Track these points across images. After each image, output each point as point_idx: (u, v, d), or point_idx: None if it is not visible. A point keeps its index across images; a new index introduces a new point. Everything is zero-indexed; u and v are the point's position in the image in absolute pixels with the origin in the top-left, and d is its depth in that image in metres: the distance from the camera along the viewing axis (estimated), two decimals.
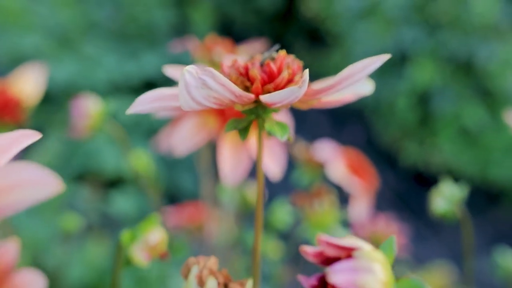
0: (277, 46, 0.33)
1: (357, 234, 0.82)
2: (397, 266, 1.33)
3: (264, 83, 0.30)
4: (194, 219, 0.81)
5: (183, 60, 1.92)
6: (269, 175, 0.45)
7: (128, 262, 0.38)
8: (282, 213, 0.61)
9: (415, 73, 1.52)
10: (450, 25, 1.50)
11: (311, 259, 0.22)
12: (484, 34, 1.52)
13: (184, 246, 0.45)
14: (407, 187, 1.77)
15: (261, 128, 0.31)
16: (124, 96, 1.76)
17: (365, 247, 0.22)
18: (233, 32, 2.24)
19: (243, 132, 0.32)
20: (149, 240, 0.38)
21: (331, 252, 0.22)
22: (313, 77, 0.31)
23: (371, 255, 0.21)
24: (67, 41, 1.77)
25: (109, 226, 1.29)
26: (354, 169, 0.70)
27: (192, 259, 0.31)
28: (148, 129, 1.70)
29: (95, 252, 1.00)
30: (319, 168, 0.70)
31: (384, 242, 0.23)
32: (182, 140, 0.44)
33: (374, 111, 1.78)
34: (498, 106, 1.58)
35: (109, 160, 1.47)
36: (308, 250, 0.22)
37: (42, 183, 0.19)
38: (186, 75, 0.27)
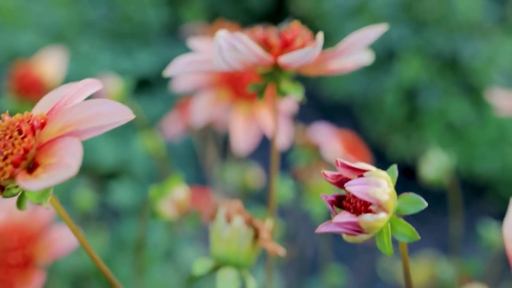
0: (289, 20, 0.38)
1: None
2: (384, 256, 1.39)
3: (281, 49, 0.35)
4: (197, 202, 0.85)
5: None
6: (278, 145, 0.50)
7: (154, 215, 0.43)
8: (284, 188, 0.65)
9: (402, 70, 1.58)
10: (436, 23, 1.57)
11: (329, 181, 0.27)
12: (469, 32, 1.59)
13: (197, 215, 0.49)
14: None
15: (277, 89, 0.36)
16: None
17: (374, 169, 0.27)
18: None
19: (261, 92, 0.37)
20: (175, 196, 0.43)
21: (346, 174, 0.27)
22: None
23: (379, 174, 0.26)
24: (62, 39, 1.80)
25: (107, 217, 1.33)
26: (349, 150, 0.75)
27: (219, 202, 0.36)
28: (143, 125, 1.73)
29: (93, 243, 1.04)
30: (315, 149, 0.75)
31: (388, 169, 0.28)
32: (200, 111, 0.49)
33: (362, 107, 1.84)
34: (482, 101, 1.65)
35: (107, 153, 1.51)
36: (328, 174, 0.27)
37: (118, 112, 0.24)
38: (219, 39, 0.32)
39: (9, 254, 0.44)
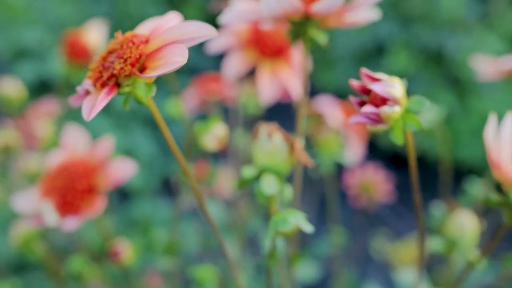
0: None
1: (348, 180, 0.96)
2: (376, 237, 1.48)
3: (310, 1, 0.44)
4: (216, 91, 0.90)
5: None
6: (293, 95, 0.59)
7: (199, 148, 0.52)
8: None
9: (391, 63, 1.68)
10: (422, 19, 1.68)
11: (355, 88, 0.36)
12: (452, 28, 1.70)
13: (218, 114, 0.55)
14: (385, 167, 1.93)
15: (306, 35, 0.46)
16: None
17: (387, 77, 0.36)
18: None
19: (294, 40, 0.46)
20: (216, 131, 0.52)
21: (367, 82, 0.36)
22: None
23: (393, 79, 0.35)
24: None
25: (114, 198, 1.40)
26: (348, 116, 0.85)
27: (261, 124, 0.45)
28: (144, 118, 1.82)
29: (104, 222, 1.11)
30: (320, 117, 0.84)
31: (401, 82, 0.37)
32: (232, 68, 0.58)
33: None
34: (465, 93, 1.76)
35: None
36: (354, 83, 0.36)
37: (204, 29, 0.33)
38: None
39: (76, 182, 0.52)
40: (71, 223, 0.50)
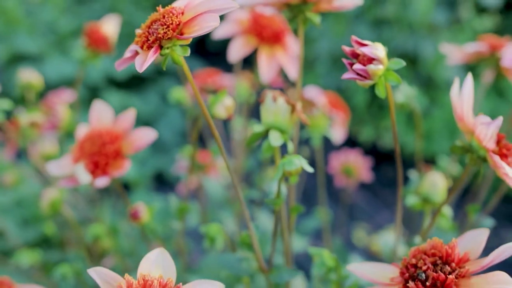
0: None
1: (333, 162, 1.06)
2: (356, 229, 1.58)
3: None
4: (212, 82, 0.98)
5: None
6: (289, 75, 0.68)
7: (212, 116, 0.61)
8: None
9: None
10: (396, 23, 1.79)
11: (347, 52, 0.45)
12: (423, 31, 1.82)
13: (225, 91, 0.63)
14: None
15: (303, 17, 0.55)
16: (114, 88, 1.97)
17: (372, 43, 0.45)
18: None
19: (291, 22, 0.56)
20: (225, 102, 0.60)
21: (356, 47, 0.45)
22: None
23: (377, 44, 0.45)
24: (63, 43, 1.96)
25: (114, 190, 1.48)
26: (333, 104, 0.94)
27: (266, 90, 0.54)
28: (138, 120, 1.89)
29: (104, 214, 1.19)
30: (308, 103, 0.94)
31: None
32: (235, 51, 0.67)
33: None
34: (435, 92, 1.88)
35: None
36: (346, 48, 0.45)
37: (228, 3, 0.42)
38: None
39: (104, 147, 0.60)
40: (101, 181, 0.58)
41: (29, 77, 0.81)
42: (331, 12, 1.71)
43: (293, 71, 0.69)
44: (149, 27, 0.42)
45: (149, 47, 0.42)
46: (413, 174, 0.72)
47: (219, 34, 0.68)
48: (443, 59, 1.79)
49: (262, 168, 1.00)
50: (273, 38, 0.69)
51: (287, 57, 0.69)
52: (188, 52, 0.43)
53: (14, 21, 1.85)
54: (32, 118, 0.73)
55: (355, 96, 1.90)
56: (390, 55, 0.48)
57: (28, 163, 0.90)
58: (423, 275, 0.41)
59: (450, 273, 0.41)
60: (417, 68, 1.87)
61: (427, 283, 0.41)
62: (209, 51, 2.43)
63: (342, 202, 1.39)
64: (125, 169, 0.59)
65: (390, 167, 2.03)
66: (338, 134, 0.93)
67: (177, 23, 0.41)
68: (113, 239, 0.80)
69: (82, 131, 0.64)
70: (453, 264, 0.42)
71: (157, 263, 0.42)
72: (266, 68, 0.67)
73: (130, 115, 0.63)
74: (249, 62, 0.83)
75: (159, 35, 0.41)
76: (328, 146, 1.26)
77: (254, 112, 0.91)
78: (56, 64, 1.85)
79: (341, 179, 1.06)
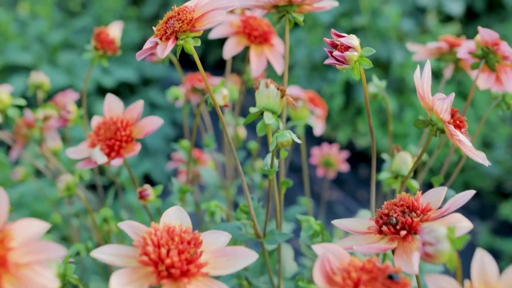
0: None
1: (315, 153, 1.16)
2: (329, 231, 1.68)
3: None
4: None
5: (148, 71, 2.22)
6: (276, 69, 0.78)
7: (211, 105, 0.70)
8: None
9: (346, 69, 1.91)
10: (369, 32, 1.92)
11: (328, 42, 0.55)
12: (395, 39, 1.95)
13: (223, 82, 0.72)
14: None
15: (288, 17, 0.65)
16: (104, 96, 2.05)
17: (347, 35, 0.55)
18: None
19: (278, 21, 0.65)
20: (222, 92, 0.70)
21: (335, 38, 0.55)
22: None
23: (352, 36, 0.55)
24: (54, 54, 2.04)
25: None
26: (313, 101, 1.05)
27: (259, 78, 0.63)
28: None
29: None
30: (293, 99, 1.04)
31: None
32: (228, 50, 0.77)
33: None
34: (407, 95, 2.00)
35: None
36: (327, 40, 0.55)
37: (232, 2, 0.52)
38: None
39: (118, 133, 0.69)
40: (116, 162, 0.67)
41: (40, 78, 0.90)
42: (309, 20, 1.81)
43: (279, 67, 0.78)
44: (166, 23, 0.52)
45: (167, 39, 0.51)
46: (386, 156, 0.82)
47: (215, 34, 0.78)
48: (413, 64, 1.92)
49: (251, 160, 1.09)
50: (261, 38, 0.78)
51: (273, 54, 0.79)
52: (198, 42, 0.52)
53: (7, 34, 1.93)
54: (46, 112, 0.82)
55: (331, 100, 2.01)
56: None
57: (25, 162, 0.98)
58: (394, 220, 0.51)
59: (415, 218, 0.51)
60: (389, 74, 1.99)
61: (397, 227, 0.51)
62: (191, 62, 2.52)
63: (321, 199, 1.49)
64: (136, 151, 0.68)
65: (365, 168, 2.14)
66: (318, 126, 1.03)
67: (190, 18, 0.51)
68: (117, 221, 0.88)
69: (96, 120, 0.73)
70: (418, 212, 0.52)
71: (175, 216, 0.51)
72: (256, 64, 0.77)
73: (138, 105, 0.72)
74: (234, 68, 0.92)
75: (176, 28, 0.50)
76: (310, 142, 1.36)
77: (241, 111, 1.01)
78: (47, 74, 1.92)
79: (321, 170, 1.16)
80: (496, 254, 1.77)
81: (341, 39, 0.54)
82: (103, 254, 0.46)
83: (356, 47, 0.54)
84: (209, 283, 0.46)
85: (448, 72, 0.88)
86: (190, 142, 0.90)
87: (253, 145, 1.02)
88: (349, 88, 2.03)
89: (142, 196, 0.75)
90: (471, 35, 0.79)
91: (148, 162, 1.95)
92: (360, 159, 2.14)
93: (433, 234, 0.41)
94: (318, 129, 1.04)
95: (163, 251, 0.45)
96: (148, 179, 2.01)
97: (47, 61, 2.09)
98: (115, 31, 0.83)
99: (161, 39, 0.51)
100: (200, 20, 0.51)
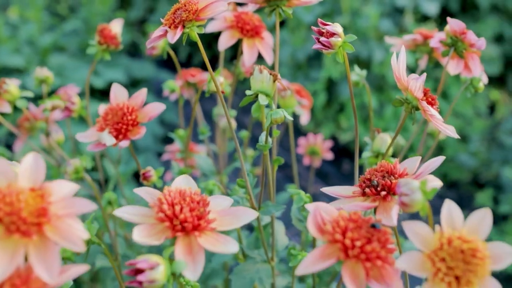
0: None
1: (302, 144, 1.23)
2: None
3: None
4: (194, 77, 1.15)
5: (137, 73, 2.28)
6: (266, 60, 0.85)
7: (209, 90, 0.77)
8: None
9: (329, 68, 2.00)
10: (350, 31, 2.00)
11: (316, 31, 0.62)
12: (375, 38, 2.04)
13: (219, 71, 0.79)
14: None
15: (278, 11, 0.72)
16: (94, 95, 2.10)
17: (332, 23, 0.63)
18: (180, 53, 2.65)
19: (269, 14, 0.73)
20: (219, 79, 0.77)
21: (321, 26, 0.62)
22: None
23: (337, 24, 0.62)
24: (45, 57, 2.10)
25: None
26: (299, 92, 1.12)
27: (253, 65, 0.71)
28: None
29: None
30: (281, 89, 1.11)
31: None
32: (223, 42, 0.84)
33: None
34: (387, 92, 2.09)
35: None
36: (314, 28, 0.63)
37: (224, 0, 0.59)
38: None
39: (124, 117, 0.76)
40: (123, 143, 0.74)
41: (44, 73, 0.96)
42: (292, 22, 1.89)
43: (269, 57, 0.86)
44: (174, 13, 0.59)
45: (176, 27, 0.58)
46: (367, 139, 0.90)
47: (211, 28, 0.85)
48: (387, 64, 2.01)
49: (243, 148, 1.16)
50: (253, 32, 0.86)
51: (264, 46, 0.87)
52: (202, 30, 0.59)
53: (1, 42, 1.98)
54: (54, 103, 0.88)
55: (314, 98, 2.09)
56: (351, 61, 0.64)
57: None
58: (375, 182, 0.59)
59: (394, 181, 0.59)
60: (370, 71, 2.07)
61: (378, 188, 0.58)
62: (178, 61, 2.59)
63: (307, 192, 1.56)
64: (141, 134, 0.75)
65: (348, 164, 2.23)
66: (304, 116, 1.11)
67: (196, 9, 0.58)
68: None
69: (102, 108, 0.80)
70: (396, 176, 0.60)
71: (184, 183, 0.58)
72: (248, 55, 0.85)
73: (142, 93, 0.78)
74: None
75: (183, 18, 0.58)
76: (296, 133, 1.44)
77: (232, 104, 1.09)
78: None
79: (307, 159, 1.24)
80: None
81: (327, 27, 0.62)
82: (125, 213, 0.52)
83: (340, 34, 0.62)
84: (216, 237, 0.53)
85: (423, 62, 0.96)
86: (186, 131, 0.97)
87: (244, 133, 1.09)
88: (331, 86, 2.12)
89: (145, 177, 0.82)
90: None
91: (138, 159, 2.01)
92: (343, 154, 2.22)
93: (408, 186, 0.49)
94: (304, 118, 1.11)
95: (177, 208, 0.52)
96: (137, 178, 2.07)
97: (38, 63, 2.14)
98: (116, 27, 0.90)
99: (170, 27, 0.58)
100: (204, 11, 0.58)
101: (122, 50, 2.39)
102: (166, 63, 2.70)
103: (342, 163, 2.21)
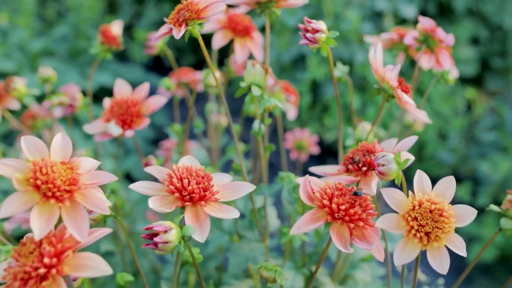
0: None
1: (289, 138, 1.32)
2: None
3: None
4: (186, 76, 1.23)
5: (126, 76, 2.35)
6: (256, 57, 0.93)
7: (205, 84, 0.85)
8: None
9: (313, 69, 2.08)
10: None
11: (302, 27, 0.71)
12: (356, 41, 2.13)
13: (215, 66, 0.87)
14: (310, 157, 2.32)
15: (269, 13, 0.80)
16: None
17: (316, 21, 0.71)
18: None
19: (260, 15, 0.81)
20: (217, 74, 0.85)
21: (306, 23, 0.71)
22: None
23: (321, 22, 0.70)
24: (35, 62, 2.16)
25: None
26: (287, 90, 1.20)
27: (247, 60, 0.78)
28: None
29: None
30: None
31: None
32: (217, 42, 0.92)
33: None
34: (369, 92, 2.19)
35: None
36: (301, 25, 0.71)
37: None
38: None
39: (129, 109, 0.83)
40: (128, 133, 0.81)
41: (48, 72, 1.03)
42: (277, 25, 1.97)
43: (259, 55, 0.94)
44: (177, 13, 0.67)
45: (180, 25, 0.66)
46: (350, 130, 0.99)
47: (205, 29, 0.92)
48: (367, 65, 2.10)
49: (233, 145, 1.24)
50: (244, 32, 0.94)
51: (254, 45, 0.95)
52: (203, 27, 0.67)
53: None
54: (60, 99, 0.95)
55: (299, 99, 2.18)
56: (328, 62, 0.73)
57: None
58: (357, 159, 0.67)
59: (373, 158, 0.67)
60: (352, 73, 2.17)
61: (360, 165, 0.67)
62: (165, 67, 2.67)
63: None
64: (145, 125, 0.82)
65: (333, 163, 2.31)
66: (291, 111, 1.19)
67: (197, 9, 0.66)
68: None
69: (107, 101, 0.87)
70: (375, 154, 0.68)
71: (189, 162, 0.66)
72: (240, 53, 0.93)
73: (144, 87, 0.86)
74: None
75: (186, 17, 0.65)
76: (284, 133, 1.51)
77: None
78: (29, 80, 2.04)
79: (295, 153, 1.32)
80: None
81: (312, 24, 0.70)
82: (139, 187, 0.60)
83: (324, 31, 0.70)
84: (219, 207, 0.61)
85: (400, 59, 1.05)
86: (182, 126, 1.04)
87: (236, 127, 1.17)
88: (316, 87, 2.20)
89: (147, 165, 0.89)
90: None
91: (128, 160, 2.08)
92: (328, 154, 2.31)
93: (385, 158, 0.57)
94: (292, 113, 1.19)
95: (185, 181, 0.59)
96: (129, 177, 2.14)
97: (29, 68, 2.20)
98: (116, 29, 0.97)
99: (174, 25, 0.66)
100: (204, 10, 0.66)
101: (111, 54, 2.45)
102: (153, 68, 2.77)
103: (326, 162, 2.29)
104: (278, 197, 1.50)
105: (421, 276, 0.97)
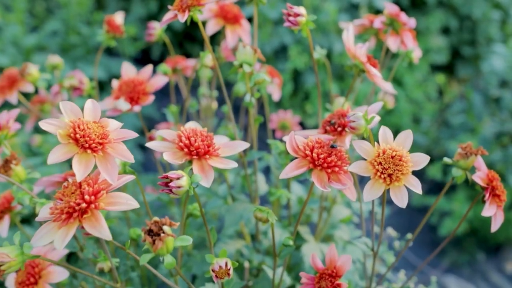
0: None
1: (273, 119, 1.45)
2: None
3: None
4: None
5: (115, 70, 2.46)
6: (244, 42, 1.06)
7: (202, 65, 0.97)
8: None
9: (294, 59, 2.22)
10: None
11: (285, 14, 0.83)
12: (335, 32, 2.27)
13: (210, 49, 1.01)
14: None
15: (256, 1, 0.93)
16: None
17: (296, 6, 0.84)
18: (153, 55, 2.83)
19: (249, 2, 0.94)
20: (210, 56, 0.97)
21: (289, 8, 0.83)
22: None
23: (301, 7, 0.83)
24: (29, 56, 2.25)
25: None
26: (271, 73, 1.33)
27: (238, 43, 0.91)
28: None
29: None
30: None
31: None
32: (210, 28, 1.05)
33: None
34: (346, 81, 2.33)
35: None
36: (284, 11, 0.83)
37: None
38: None
39: (135, 87, 0.95)
40: (136, 108, 0.93)
41: (56, 60, 1.15)
42: (259, 18, 2.10)
43: (247, 39, 1.07)
44: (181, 1, 0.79)
45: (183, 11, 0.78)
46: (328, 105, 1.12)
47: (203, 16, 1.05)
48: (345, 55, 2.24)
49: (224, 124, 1.36)
50: (234, 20, 1.07)
51: (243, 31, 1.07)
52: (202, 13, 0.80)
53: None
54: (71, 82, 1.07)
55: (282, 88, 2.31)
56: (308, 52, 0.86)
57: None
58: (333, 121, 0.80)
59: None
60: (331, 62, 2.31)
61: (335, 126, 0.80)
62: (152, 59, 2.78)
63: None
64: (150, 101, 0.95)
65: None
66: (276, 93, 1.32)
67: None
68: None
69: (115, 82, 0.99)
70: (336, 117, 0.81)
71: (194, 125, 0.79)
72: (231, 38, 1.05)
73: (148, 69, 0.98)
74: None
75: (189, 4, 0.78)
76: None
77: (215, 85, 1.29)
78: None
79: (279, 133, 1.45)
80: (427, 210, 2.10)
81: (293, 9, 0.83)
82: (155, 145, 0.72)
83: (304, 14, 0.83)
84: (220, 160, 0.73)
85: (371, 43, 1.18)
86: (178, 107, 1.16)
87: (226, 108, 1.30)
88: (297, 76, 2.34)
89: (151, 139, 1.01)
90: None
91: None
92: None
93: (355, 115, 0.70)
94: (276, 94, 1.32)
95: (192, 139, 0.72)
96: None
97: (22, 62, 2.30)
98: (119, 19, 1.09)
99: (178, 11, 0.78)
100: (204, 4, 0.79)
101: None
102: (141, 61, 2.88)
103: None
104: (267, 169, 1.63)
105: (392, 232, 1.11)
